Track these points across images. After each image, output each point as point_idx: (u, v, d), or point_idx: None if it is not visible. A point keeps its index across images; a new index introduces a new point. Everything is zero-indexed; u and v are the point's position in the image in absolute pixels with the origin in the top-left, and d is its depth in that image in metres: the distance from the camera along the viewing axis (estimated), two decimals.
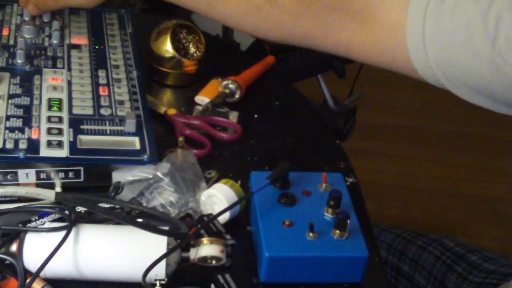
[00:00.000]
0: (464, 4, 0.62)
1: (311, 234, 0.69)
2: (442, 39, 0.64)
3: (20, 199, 0.72)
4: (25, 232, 0.65)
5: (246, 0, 0.74)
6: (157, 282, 0.63)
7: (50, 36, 0.94)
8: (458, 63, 0.64)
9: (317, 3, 0.71)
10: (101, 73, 0.89)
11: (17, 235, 0.65)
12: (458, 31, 0.62)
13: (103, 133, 0.79)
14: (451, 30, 0.63)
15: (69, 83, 0.86)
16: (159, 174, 0.75)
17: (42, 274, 0.64)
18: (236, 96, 0.96)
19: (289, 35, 0.76)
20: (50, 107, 0.80)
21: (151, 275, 0.62)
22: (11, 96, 0.81)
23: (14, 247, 0.65)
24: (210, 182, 0.80)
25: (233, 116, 0.93)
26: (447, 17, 0.63)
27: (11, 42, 0.91)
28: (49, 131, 0.77)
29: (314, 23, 0.72)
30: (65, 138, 0.76)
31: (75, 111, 0.81)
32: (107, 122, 0.80)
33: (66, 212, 0.67)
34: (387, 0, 0.68)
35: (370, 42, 0.71)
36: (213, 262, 0.66)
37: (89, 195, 0.72)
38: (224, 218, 0.73)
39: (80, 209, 0.70)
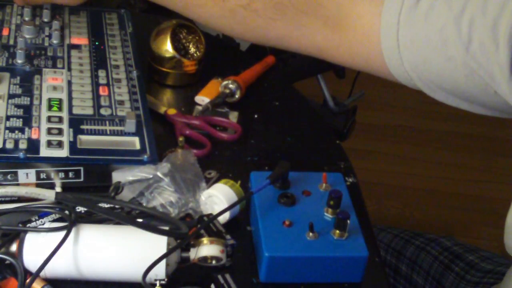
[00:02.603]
0: (437, 9, 0.62)
1: (311, 234, 0.69)
2: (416, 44, 0.64)
3: (20, 199, 0.72)
4: (25, 232, 0.65)
5: (220, 4, 0.75)
6: (157, 282, 0.63)
7: (50, 36, 0.94)
8: (432, 68, 0.64)
9: (290, 7, 0.72)
10: (101, 73, 0.89)
11: (17, 235, 0.65)
12: (432, 37, 0.63)
13: (103, 133, 0.79)
14: (425, 36, 0.63)
15: (69, 83, 0.86)
16: (159, 174, 0.75)
17: (42, 274, 0.64)
18: (236, 96, 0.96)
19: (265, 37, 0.77)
20: (50, 107, 0.81)
21: (151, 275, 0.62)
22: (11, 96, 0.81)
23: (14, 247, 0.65)
24: (210, 182, 0.80)
25: (233, 116, 0.93)
26: (421, 23, 0.63)
27: (11, 42, 0.91)
28: (49, 131, 0.77)
29: (287, 26, 0.73)
30: (65, 138, 0.76)
31: (75, 111, 0.81)
32: (107, 122, 0.80)
33: (66, 212, 0.67)
34: (359, 6, 0.69)
35: (344, 47, 0.71)
36: (213, 262, 0.66)
37: (89, 195, 0.72)
38: (224, 218, 0.73)
39: (80, 209, 0.70)
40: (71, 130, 0.78)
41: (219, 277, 0.67)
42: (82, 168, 0.75)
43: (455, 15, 0.61)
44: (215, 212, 0.71)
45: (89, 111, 0.82)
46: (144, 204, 0.74)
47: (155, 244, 0.64)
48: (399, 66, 0.67)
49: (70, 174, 0.75)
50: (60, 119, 0.79)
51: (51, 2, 0.96)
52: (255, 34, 0.77)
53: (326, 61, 0.76)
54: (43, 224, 0.68)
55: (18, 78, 0.84)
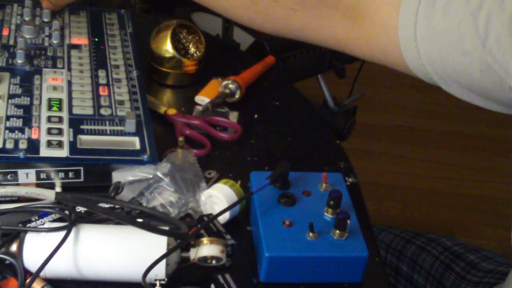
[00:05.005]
0: (455, 4, 0.63)
1: (311, 234, 0.69)
2: (433, 38, 0.65)
3: (20, 199, 0.72)
4: (25, 232, 0.65)
5: None
6: (157, 282, 0.63)
7: (50, 36, 0.94)
8: (449, 62, 0.65)
9: None
10: (101, 73, 0.89)
11: (17, 235, 0.65)
12: (449, 31, 0.63)
13: (103, 133, 0.79)
14: (442, 30, 0.64)
15: (69, 83, 0.86)
16: (159, 174, 0.75)
17: (42, 274, 0.64)
18: (236, 96, 0.96)
19: (285, 28, 0.78)
20: (50, 107, 0.81)
21: (151, 275, 0.62)
22: (11, 96, 0.81)
23: (14, 247, 0.65)
24: (210, 182, 0.80)
25: (233, 116, 0.93)
26: (438, 17, 0.64)
27: (11, 42, 0.91)
28: (49, 131, 0.77)
29: (308, 17, 0.74)
30: (65, 138, 0.76)
31: (75, 111, 0.81)
32: (107, 122, 0.80)
33: (66, 212, 0.67)
34: None
35: (363, 39, 0.71)
36: (213, 262, 0.66)
37: (89, 195, 0.72)
38: (224, 218, 0.73)
39: (80, 209, 0.70)
40: (71, 130, 0.78)
41: (219, 277, 0.67)
42: (82, 168, 0.75)
43: (473, 10, 0.61)
44: (215, 212, 0.71)
45: (89, 111, 0.82)
46: (144, 204, 0.74)
47: (155, 244, 0.64)
48: (416, 59, 0.67)
49: (70, 174, 0.75)
50: (60, 119, 0.79)
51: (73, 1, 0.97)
52: (275, 25, 0.78)
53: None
54: (43, 224, 0.68)
55: (18, 78, 0.84)
